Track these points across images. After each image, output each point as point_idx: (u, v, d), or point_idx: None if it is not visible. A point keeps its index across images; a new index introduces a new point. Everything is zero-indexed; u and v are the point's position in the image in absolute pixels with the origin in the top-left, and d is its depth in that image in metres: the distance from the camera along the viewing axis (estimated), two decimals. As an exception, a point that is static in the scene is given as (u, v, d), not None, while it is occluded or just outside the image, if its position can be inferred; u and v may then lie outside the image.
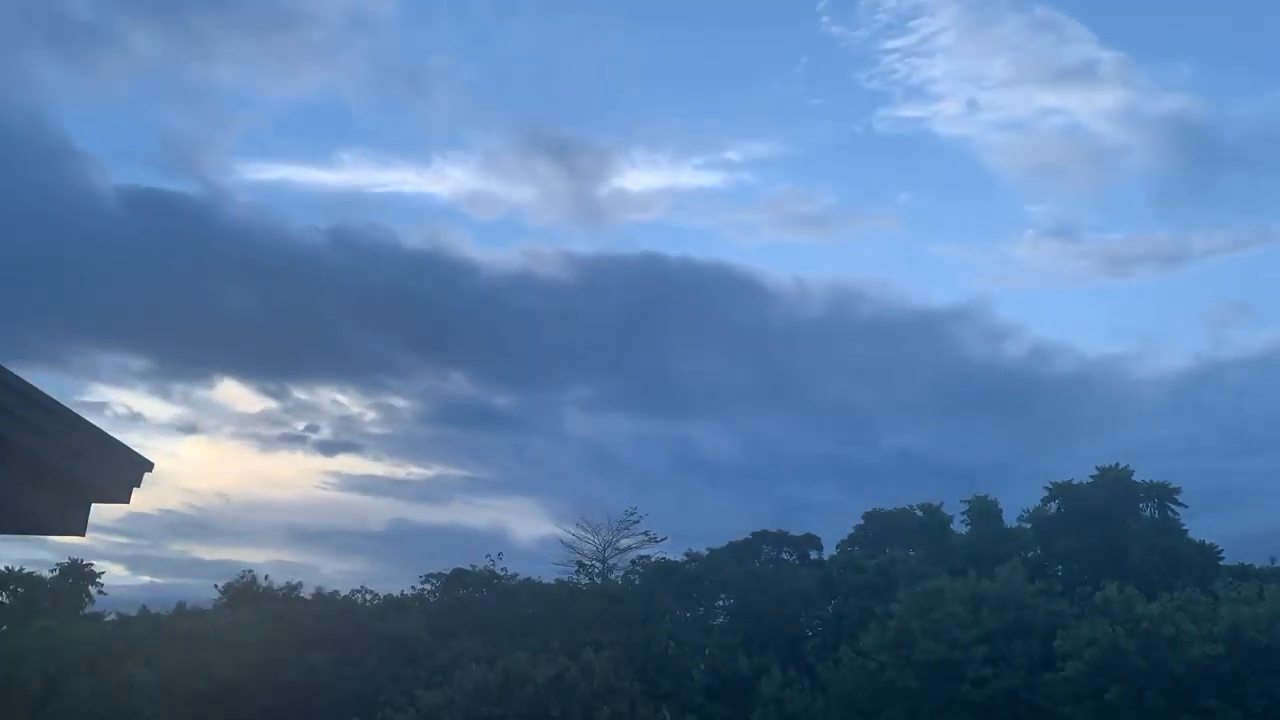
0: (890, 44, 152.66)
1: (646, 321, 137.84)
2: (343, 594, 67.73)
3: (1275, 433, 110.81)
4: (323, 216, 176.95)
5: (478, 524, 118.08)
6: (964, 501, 68.35)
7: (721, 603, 72.31)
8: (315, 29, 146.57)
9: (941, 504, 70.57)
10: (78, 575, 73.37)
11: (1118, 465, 63.90)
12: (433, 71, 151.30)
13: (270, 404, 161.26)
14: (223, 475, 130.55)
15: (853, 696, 49.51)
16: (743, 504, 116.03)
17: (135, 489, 6.87)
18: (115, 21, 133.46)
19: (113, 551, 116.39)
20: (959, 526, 69.05)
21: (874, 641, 49.73)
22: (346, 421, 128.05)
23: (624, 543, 63.11)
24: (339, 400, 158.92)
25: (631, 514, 62.34)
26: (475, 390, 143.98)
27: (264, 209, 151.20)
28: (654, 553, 67.56)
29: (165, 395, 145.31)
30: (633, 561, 67.26)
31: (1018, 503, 70.68)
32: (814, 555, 78.84)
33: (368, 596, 68.60)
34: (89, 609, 71.41)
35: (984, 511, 66.74)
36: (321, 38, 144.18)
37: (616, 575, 65.96)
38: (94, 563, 74.87)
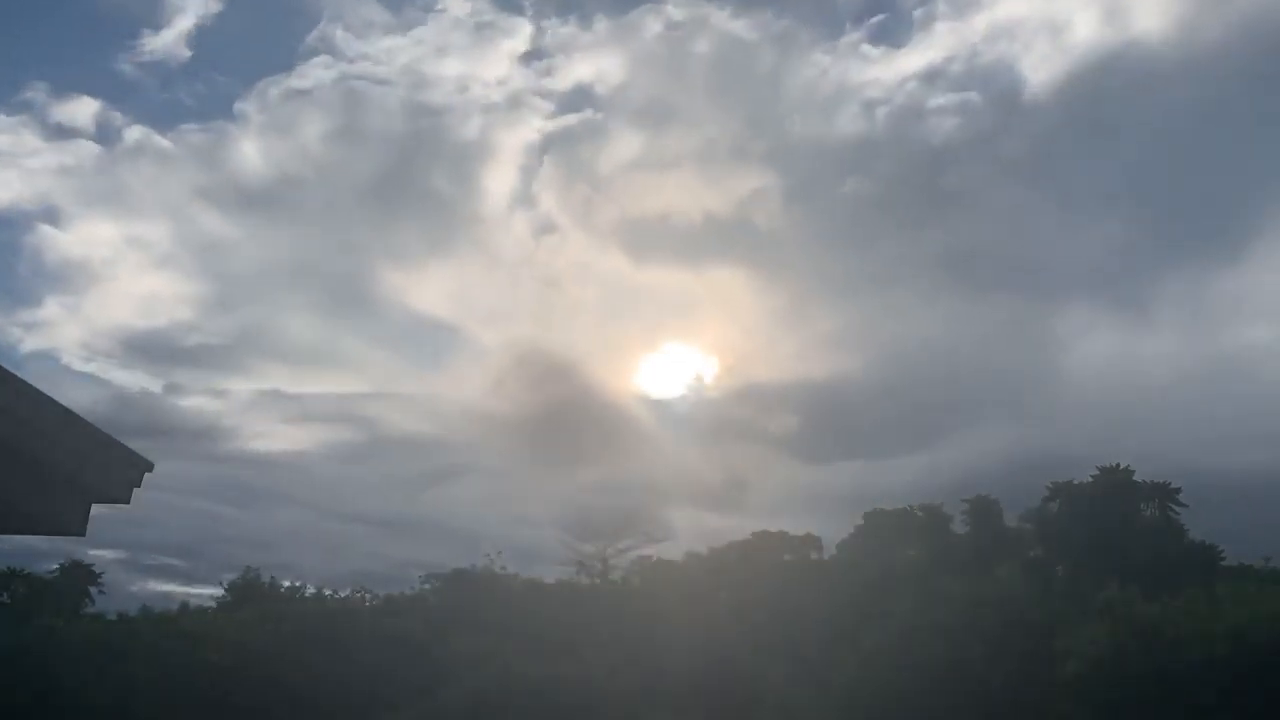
0: None
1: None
2: (342, 594, 67.81)
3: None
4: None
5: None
6: (964, 501, 68.32)
7: (721, 603, 72.22)
8: None
9: (942, 504, 70.52)
10: (78, 575, 73.28)
11: (1118, 465, 63.90)
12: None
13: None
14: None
15: (853, 696, 49.45)
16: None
17: (135, 489, 6.87)
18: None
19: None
20: (959, 526, 69.01)
21: (874, 641, 49.68)
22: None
23: (624, 542, 63.23)
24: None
25: (631, 514, 62.43)
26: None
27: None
28: (654, 553, 67.69)
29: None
30: (632, 561, 67.41)
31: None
32: (814, 555, 78.78)
33: (368, 596, 68.70)
34: (89, 609, 71.35)
35: (984, 511, 66.71)
36: None
37: (617, 575, 66.07)
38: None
